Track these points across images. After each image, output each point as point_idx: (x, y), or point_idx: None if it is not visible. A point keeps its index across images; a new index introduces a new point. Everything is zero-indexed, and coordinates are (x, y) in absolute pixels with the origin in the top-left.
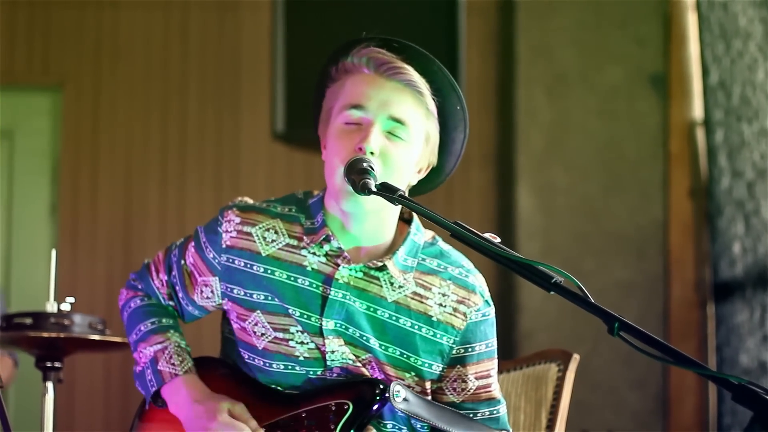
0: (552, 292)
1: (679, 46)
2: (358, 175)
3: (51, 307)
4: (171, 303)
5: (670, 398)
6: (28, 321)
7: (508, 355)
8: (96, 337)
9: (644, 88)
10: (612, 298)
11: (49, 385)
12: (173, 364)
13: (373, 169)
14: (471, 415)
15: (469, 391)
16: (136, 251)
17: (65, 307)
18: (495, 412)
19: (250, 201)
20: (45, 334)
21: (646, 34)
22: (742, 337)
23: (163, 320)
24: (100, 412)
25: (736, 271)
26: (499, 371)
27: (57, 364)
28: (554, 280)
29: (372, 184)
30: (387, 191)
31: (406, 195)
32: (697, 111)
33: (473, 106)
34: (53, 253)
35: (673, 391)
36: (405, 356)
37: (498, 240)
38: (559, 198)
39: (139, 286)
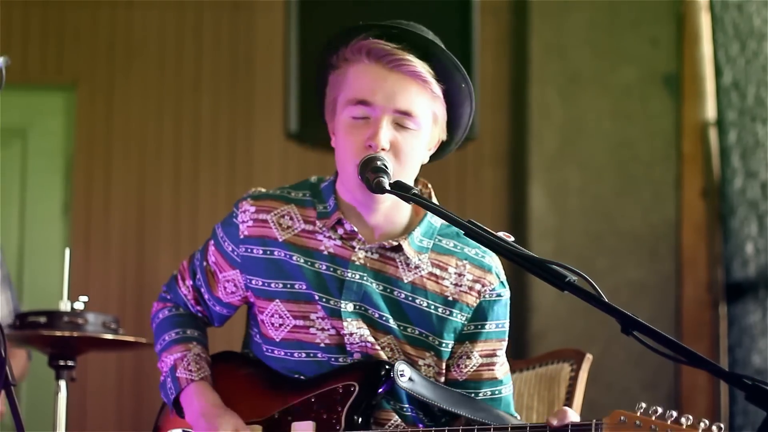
0: (565, 292)
1: (693, 47)
2: (372, 173)
3: (64, 305)
4: (199, 308)
5: (681, 398)
6: (42, 320)
7: (520, 355)
8: (109, 336)
9: (657, 88)
10: (624, 298)
11: (62, 383)
12: (190, 371)
13: (386, 167)
14: (473, 394)
15: (472, 367)
16: (149, 250)
17: (78, 305)
18: (497, 392)
19: (263, 190)
20: (58, 333)
21: (660, 34)
22: (754, 337)
23: (188, 331)
24: (112, 411)
25: (749, 272)
26: (512, 371)
27: (70, 363)
28: (568, 279)
29: (386, 183)
30: (401, 190)
31: (418, 191)
32: (710, 111)
33: (486, 105)
34: (67, 251)
35: (685, 391)
36: (423, 336)
37: (512, 239)
38: (572, 198)
39: (169, 297)
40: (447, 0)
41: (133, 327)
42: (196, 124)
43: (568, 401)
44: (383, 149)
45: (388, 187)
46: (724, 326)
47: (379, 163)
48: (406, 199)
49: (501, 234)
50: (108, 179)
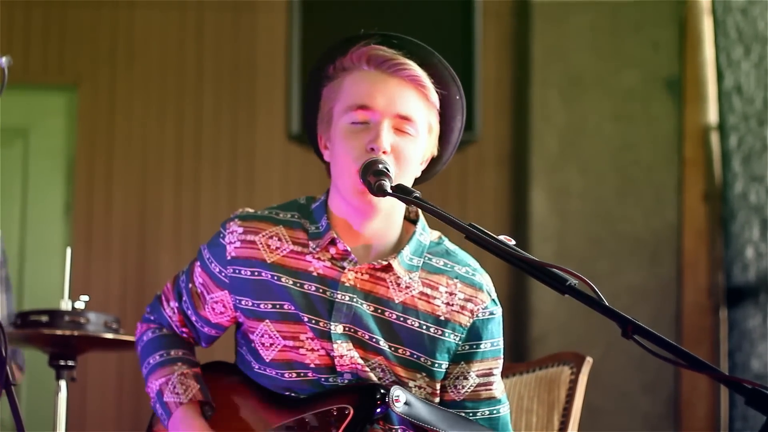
0: (566, 295)
1: (695, 50)
2: (374, 176)
3: (65, 305)
4: (185, 330)
5: (681, 402)
6: (44, 318)
7: (520, 358)
8: (110, 336)
9: (659, 91)
10: (625, 302)
11: (62, 383)
12: (177, 394)
13: (389, 170)
14: (471, 415)
15: (469, 388)
16: (150, 251)
17: (79, 305)
18: (495, 411)
19: (251, 210)
20: (59, 332)
21: (662, 37)
22: (754, 342)
23: (171, 352)
24: (112, 411)
25: (749, 276)
26: (512, 373)
27: (70, 363)
28: (568, 282)
29: (388, 186)
30: (403, 193)
31: (419, 195)
32: (712, 115)
33: (488, 108)
34: (68, 251)
35: (685, 395)
36: (415, 357)
37: (513, 242)
38: (573, 201)
39: (153, 318)
40: (449, 2)
41: (133, 327)
42: (198, 124)
43: (568, 404)
44: (384, 152)
45: (389, 190)
46: (725, 330)
47: (381, 166)
48: (408, 203)
49: (502, 237)
50: (109, 179)
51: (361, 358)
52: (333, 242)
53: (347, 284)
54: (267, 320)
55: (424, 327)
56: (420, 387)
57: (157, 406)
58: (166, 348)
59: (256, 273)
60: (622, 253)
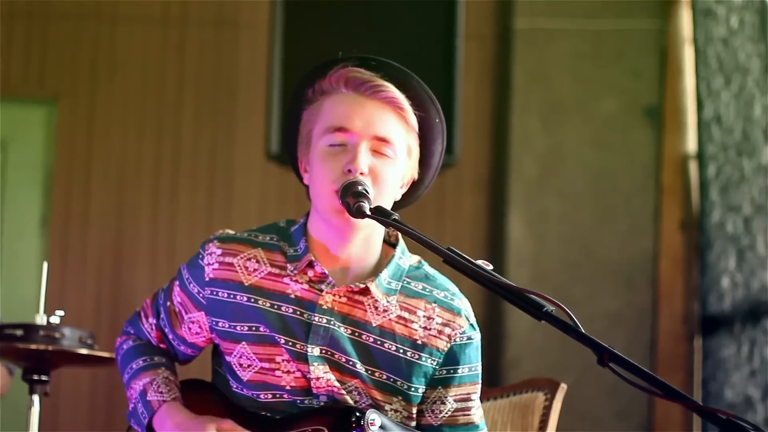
0: (542, 321)
1: (675, 79)
2: (353, 198)
3: (41, 319)
4: (162, 346)
5: (655, 430)
6: (19, 332)
7: (494, 382)
8: (84, 351)
9: (639, 119)
10: (600, 328)
11: (35, 398)
12: (161, 393)
13: (368, 192)
14: None
15: (447, 413)
16: (126, 266)
17: (54, 320)
18: None
19: (231, 232)
20: (34, 346)
21: (643, 66)
22: (728, 371)
23: (155, 358)
24: (84, 427)
25: (724, 306)
26: (486, 398)
27: (44, 378)
28: (545, 308)
29: (366, 208)
30: (381, 215)
31: (398, 217)
32: (691, 144)
33: (468, 131)
34: (44, 265)
35: (658, 422)
36: (392, 380)
37: (490, 267)
38: (551, 226)
39: (131, 331)
40: (431, 26)
41: (107, 343)
42: (177, 141)
43: (542, 430)
44: (362, 173)
45: (368, 212)
46: (699, 359)
47: (360, 188)
48: (386, 225)
49: (480, 262)
50: (87, 194)
51: (338, 380)
52: (311, 265)
53: (325, 307)
54: (243, 342)
55: (401, 351)
56: (396, 411)
57: (138, 405)
58: (149, 354)
59: (232, 295)
60: (598, 279)
